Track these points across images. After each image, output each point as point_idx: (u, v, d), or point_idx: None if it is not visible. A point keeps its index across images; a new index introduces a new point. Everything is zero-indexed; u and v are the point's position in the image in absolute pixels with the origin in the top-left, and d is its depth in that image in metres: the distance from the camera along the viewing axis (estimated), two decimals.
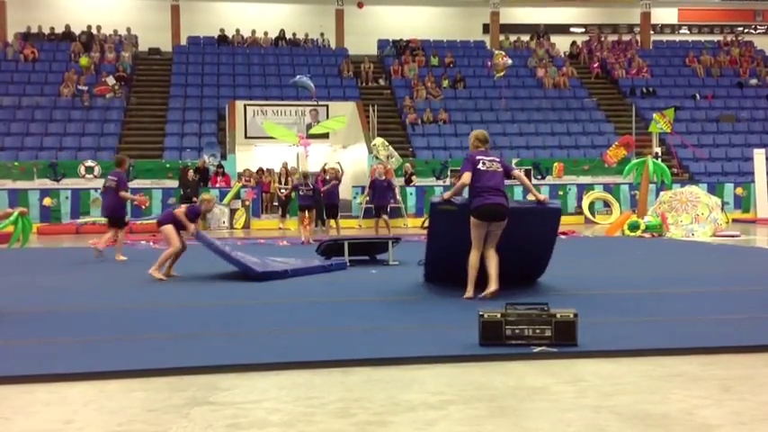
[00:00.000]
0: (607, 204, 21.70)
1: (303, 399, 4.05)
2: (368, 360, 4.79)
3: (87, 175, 20.91)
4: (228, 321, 6.24)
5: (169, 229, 9.33)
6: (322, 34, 30.42)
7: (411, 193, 21.43)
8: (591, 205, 21.50)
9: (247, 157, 23.87)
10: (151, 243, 15.03)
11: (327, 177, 16.74)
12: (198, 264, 10.12)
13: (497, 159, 7.20)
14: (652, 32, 33.43)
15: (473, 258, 7.00)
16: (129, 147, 23.34)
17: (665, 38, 33.70)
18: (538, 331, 5.01)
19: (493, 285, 6.93)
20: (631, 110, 25.61)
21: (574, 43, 31.77)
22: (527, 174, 22.52)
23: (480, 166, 7.02)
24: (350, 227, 18.87)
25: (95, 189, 20.39)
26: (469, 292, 6.98)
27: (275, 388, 4.27)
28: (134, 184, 20.83)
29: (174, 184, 20.59)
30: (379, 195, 16.41)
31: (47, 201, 20.02)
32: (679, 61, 30.76)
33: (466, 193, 7.29)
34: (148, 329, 5.90)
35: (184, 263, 9.58)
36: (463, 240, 7.10)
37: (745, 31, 34.37)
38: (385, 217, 16.27)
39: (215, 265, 9.71)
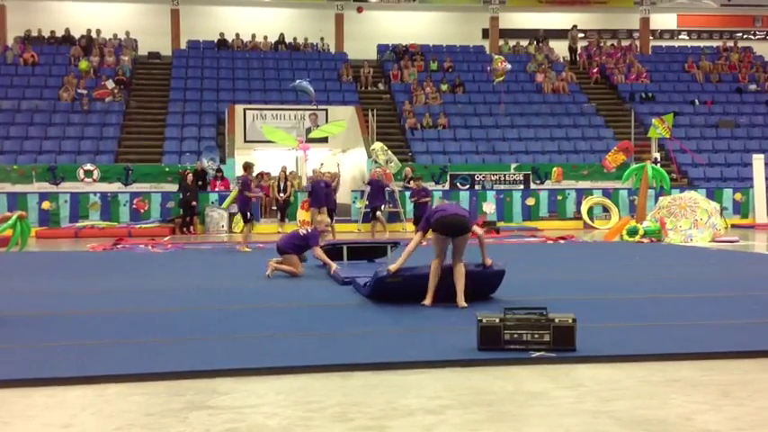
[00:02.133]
0: (606, 209, 21.70)
1: (301, 403, 4.05)
2: (366, 364, 4.79)
3: (86, 179, 20.88)
4: (227, 325, 6.23)
5: (295, 259, 9.72)
6: (322, 39, 30.42)
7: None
8: (590, 210, 21.50)
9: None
10: (149, 247, 15.02)
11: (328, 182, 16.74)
12: (196, 267, 10.11)
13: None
14: (651, 38, 33.46)
15: (434, 266, 6.87)
16: (129, 151, 23.35)
17: (664, 43, 33.70)
18: (536, 336, 5.01)
19: (461, 302, 6.84)
20: (630, 115, 25.61)
21: (571, 30, 31.46)
22: (525, 179, 22.64)
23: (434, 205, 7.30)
24: (349, 230, 18.86)
25: (94, 193, 20.40)
26: (429, 299, 6.88)
27: (273, 392, 4.26)
28: (133, 187, 20.88)
29: (174, 188, 20.59)
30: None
31: (46, 204, 19.99)
32: (678, 67, 30.76)
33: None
34: (147, 333, 5.89)
35: (187, 268, 9.56)
36: (410, 293, 7.02)
37: (744, 36, 34.40)
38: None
39: (214, 270, 9.70)
